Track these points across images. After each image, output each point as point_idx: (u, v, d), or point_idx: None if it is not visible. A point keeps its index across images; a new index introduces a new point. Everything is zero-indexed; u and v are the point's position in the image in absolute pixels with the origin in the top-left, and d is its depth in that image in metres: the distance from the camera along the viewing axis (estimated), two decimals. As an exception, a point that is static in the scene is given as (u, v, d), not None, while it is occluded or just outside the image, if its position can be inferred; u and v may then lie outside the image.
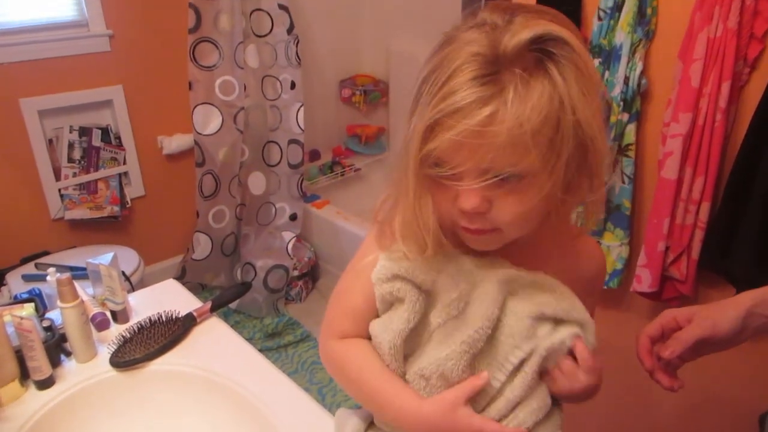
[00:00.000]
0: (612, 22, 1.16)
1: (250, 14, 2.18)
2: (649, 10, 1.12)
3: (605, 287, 1.29)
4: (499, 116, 0.46)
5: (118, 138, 2.24)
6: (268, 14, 2.20)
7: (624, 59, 1.14)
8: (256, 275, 2.36)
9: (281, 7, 2.17)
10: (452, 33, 0.51)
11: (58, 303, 0.91)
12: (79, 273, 1.35)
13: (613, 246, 1.28)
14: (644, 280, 1.21)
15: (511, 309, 0.58)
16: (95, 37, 2.08)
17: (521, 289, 0.59)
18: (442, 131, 0.48)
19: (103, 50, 2.11)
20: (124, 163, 2.27)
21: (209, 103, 2.18)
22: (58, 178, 2.12)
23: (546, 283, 0.60)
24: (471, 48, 0.48)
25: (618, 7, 1.14)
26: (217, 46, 2.13)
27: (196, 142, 2.21)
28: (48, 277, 1.18)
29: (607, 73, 1.18)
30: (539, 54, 0.48)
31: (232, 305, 2.34)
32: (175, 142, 2.36)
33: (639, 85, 1.16)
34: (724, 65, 1.01)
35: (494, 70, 0.47)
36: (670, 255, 1.18)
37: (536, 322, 0.58)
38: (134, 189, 2.34)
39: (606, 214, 1.27)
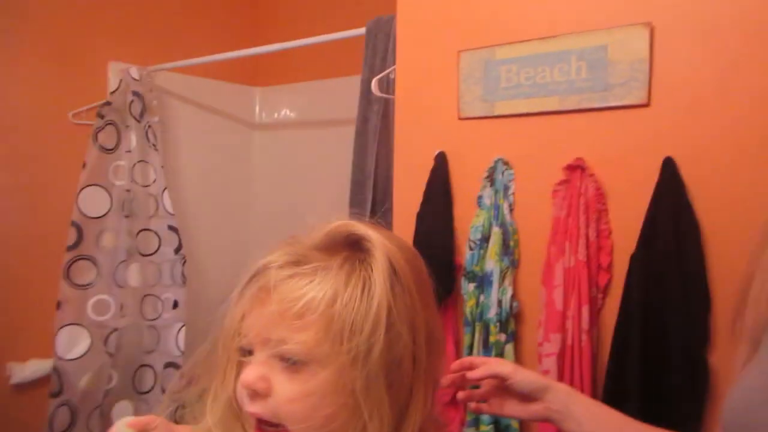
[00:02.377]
0: (482, 251, 1.29)
1: (137, 233, 2.17)
2: (512, 243, 1.26)
3: None
4: (280, 288, 0.50)
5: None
6: (157, 234, 2.20)
7: (495, 284, 1.25)
8: None
9: (171, 228, 2.20)
10: None
11: None
12: None
13: (507, 472, 1.24)
14: None
15: None
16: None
17: None
18: (242, 298, 0.53)
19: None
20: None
21: (78, 324, 2.01)
22: None
23: None
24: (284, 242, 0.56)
25: (486, 239, 1.29)
26: (95, 264, 2.05)
27: (55, 369, 1.97)
28: None
29: (482, 297, 1.27)
30: (351, 257, 0.52)
31: None
32: (29, 369, 2.08)
33: (511, 307, 1.25)
34: (581, 291, 1.13)
35: (295, 257, 0.52)
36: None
37: None
38: (-35, 426, 1.97)
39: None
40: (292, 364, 0.49)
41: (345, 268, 0.50)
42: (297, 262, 0.51)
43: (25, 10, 2.04)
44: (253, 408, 0.51)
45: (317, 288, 0.49)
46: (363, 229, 0.53)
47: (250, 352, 0.53)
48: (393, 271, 0.51)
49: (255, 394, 0.50)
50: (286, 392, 0.49)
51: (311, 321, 0.48)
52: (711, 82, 1.03)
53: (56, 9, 2.11)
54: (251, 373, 0.50)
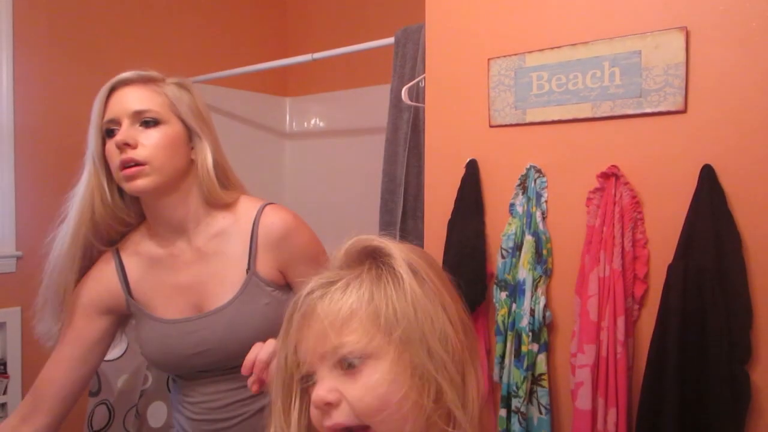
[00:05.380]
0: (514, 260, 1.27)
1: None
2: (545, 251, 1.25)
3: None
4: (319, 308, 0.55)
5: (4, 364, 2.02)
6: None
7: (528, 293, 1.23)
8: None
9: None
10: None
11: None
12: None
13: (540, 484, 1.22)
14: None
15: None
16: (1, 259, 2.01)
17: None
18: (289, 333, 0.57)
19: (7, 271, 2.02)
20: (5, 393, 2.02)
21: (116, 327, 2.06)
22: None
23: None
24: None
25: (518, 247, 1.27)
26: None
27: (94, 369, 2.03)
28: None
29: (514, 306, 1.26)
30: (374, 262, 0.58)
31: None
32: (70, 369, 2.15)
33: (544, 317, 1.23)
34: (616, 302, 1.11)
35: (325, 279, 0.58)
36: (596, 493, 1.13)
37: None
38: (10, 424, 2.04)
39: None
40: (352, 367, 0.54)
41: (372, 272, 0.56)
42: (328, 283, 0.57)
43: (72, 31, 2.14)
44: (331, 421, 0.54)
45: (355, 294, 0.55)
46: (376, 239, 0.60)
47: (311, 379, 0.57)
48: (413, 265, 0.58)
49: (329, 407, 0.54)
50: (356, 392, 0.54)
51: (358, 323, 0.54)
52: (750, 86, 1.00)
53: (97, 28, 2.21)
54: (320, 389, 0.54)
